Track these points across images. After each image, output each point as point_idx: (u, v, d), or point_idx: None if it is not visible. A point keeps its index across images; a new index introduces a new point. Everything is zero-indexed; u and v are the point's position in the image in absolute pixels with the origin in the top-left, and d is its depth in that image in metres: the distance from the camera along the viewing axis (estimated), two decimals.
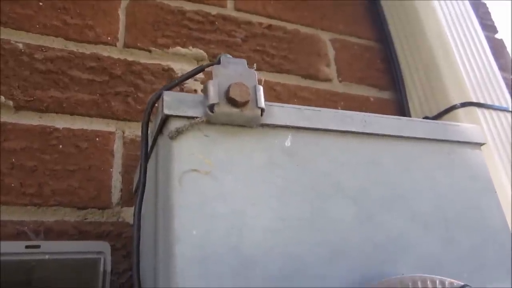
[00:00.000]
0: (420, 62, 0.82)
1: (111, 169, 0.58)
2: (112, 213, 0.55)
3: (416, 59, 0.83)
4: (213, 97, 0.37)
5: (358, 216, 0.40)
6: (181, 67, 0.70)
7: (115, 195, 0.56)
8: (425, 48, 0.81)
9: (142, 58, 0.68)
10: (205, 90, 0.38)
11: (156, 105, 0.40)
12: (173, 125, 0.37)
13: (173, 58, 0.70)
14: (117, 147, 0.60)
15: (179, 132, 0.37)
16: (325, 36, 0.87)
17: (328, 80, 0.82)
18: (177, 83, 0.42)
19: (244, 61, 0.40)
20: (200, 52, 0.72)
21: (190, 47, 0.72)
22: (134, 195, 0.57)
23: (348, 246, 0.38)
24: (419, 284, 0.36)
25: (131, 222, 0.56)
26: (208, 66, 0.41)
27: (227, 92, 0.37)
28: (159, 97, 0.39)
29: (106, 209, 0.55)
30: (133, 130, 0.61)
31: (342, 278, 0.37)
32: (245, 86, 0.38)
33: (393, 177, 0.44)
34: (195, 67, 0.43)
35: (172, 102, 0.38)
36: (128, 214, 0.56)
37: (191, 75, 0.43)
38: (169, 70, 0.68)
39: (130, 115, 0.62)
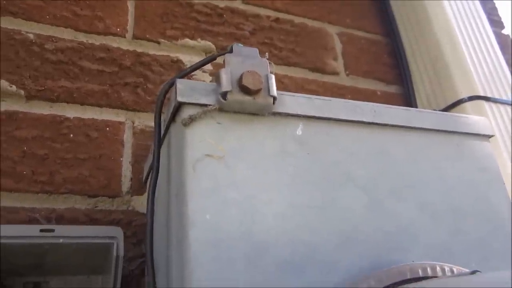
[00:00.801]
0: (427, 56, 0.82)
1: (121, 159, 0.58)
2: (122, 202, 0.56)
3: (423, 53, 0.83)
4: (225, 85, 0.37)
5: (368, 205, 0.41)
6: (190, 59, 0.70)
7: (125, 184, 0.57)
8: (433, 42, 0.81)
9: (151, 49, 0.68)
10: (217, 78, 0.38)
11: (168, 96, 0.41)
12: (186, 112, 0.37)
13: (182, 50, 0.70)
14: (127, 137, 0.60)
15: (192, 119, 0.37)
16: (332, 30, 0.87)
17: (335, 73, 0.82)
18: (189, 71, 0.42)
19: (256, 50, 0.41)
20: (208, 44, 0.72)
21: (199, 39, 0.72)
22: (144, 184, 0.57)
23: (358, 234, 0.39)
24: (429, 271, 0.36)
25: (141, 210, 0.56)
26: (220, 55, 0.41)
27: (239, 80, 0.38)
28: (172, 85, 0.39)
29: (116, 197, 0.56)
30: (143, 120, 0.62)
31: (352, 265, 0.37)
32: (257, 74, 0.38)
33: (402, 168, 0.44)
34: (203, 58, 0.44)
35: (185, 90, 0.38)
36: (137, 203, 0.57)
37: (203, 63, 0.43)
38: (178, 61, 0.69)
39: (139, 105, 0.63)
